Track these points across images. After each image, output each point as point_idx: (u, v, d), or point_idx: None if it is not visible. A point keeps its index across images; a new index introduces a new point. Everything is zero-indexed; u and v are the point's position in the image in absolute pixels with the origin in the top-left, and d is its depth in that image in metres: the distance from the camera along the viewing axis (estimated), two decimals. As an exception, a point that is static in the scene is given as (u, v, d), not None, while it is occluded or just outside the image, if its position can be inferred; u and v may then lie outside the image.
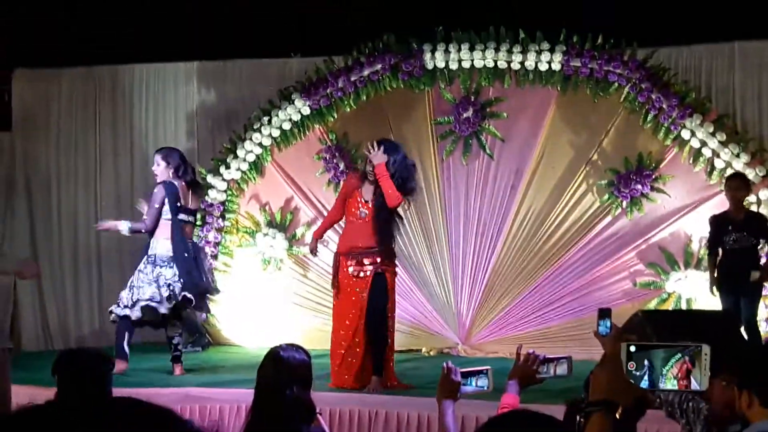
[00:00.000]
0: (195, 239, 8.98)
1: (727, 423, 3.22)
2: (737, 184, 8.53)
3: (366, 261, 7.56)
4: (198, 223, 9.66)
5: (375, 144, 7.65)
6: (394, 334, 7.77)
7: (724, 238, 8.45)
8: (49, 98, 11.12)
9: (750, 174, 8.88)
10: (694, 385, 2.50)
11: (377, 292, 7.55)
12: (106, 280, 10.95)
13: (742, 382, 3.02)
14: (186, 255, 8.15)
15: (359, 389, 7.42)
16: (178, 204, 8.19)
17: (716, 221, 8.56)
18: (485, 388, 3.89)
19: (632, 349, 2.49)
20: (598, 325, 3.24)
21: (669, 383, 2.49)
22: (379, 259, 7.58)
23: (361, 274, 7.56)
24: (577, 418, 2.46)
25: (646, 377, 2.49)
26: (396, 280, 7.83)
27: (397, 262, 7.89)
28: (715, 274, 8.53)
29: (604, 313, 3.27)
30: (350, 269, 7.58)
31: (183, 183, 8.25)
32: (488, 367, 3.97)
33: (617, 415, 2.44)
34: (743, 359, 3.25)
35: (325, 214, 10.00)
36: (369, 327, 7.55)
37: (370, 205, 7.59)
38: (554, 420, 2.06)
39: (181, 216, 8.19)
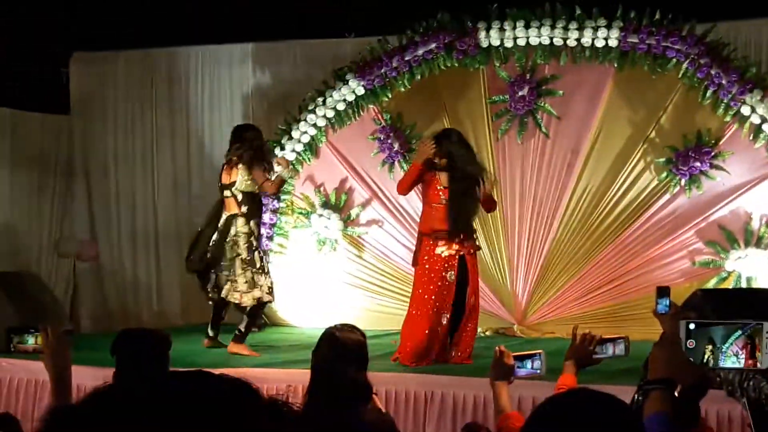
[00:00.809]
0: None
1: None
2: None
3: (450, 243, 7.65)
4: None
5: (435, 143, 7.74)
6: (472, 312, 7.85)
7: None
8: (107, 81, 11.24)
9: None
10: (758, 362, 2.45)
11: (462, 274, 7.69)
12: (164, 262, 11.07)
13: None
14: (200, 229, 8.58)
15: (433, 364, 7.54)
16: (219, 183, 8.47)
17: None
18: (539, 371, 3.87)
19: (691, 327, 2.45)
20: (656, 303, 3.20)
21: (729, 361, 2.45)
22: (459, 242, 7.69)
23: (445, 254, 7.64)
24: (635, 396, 2.42)
25: (705, 355, 2.44)
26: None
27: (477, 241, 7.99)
28: None
29: (663, 292, 3.23)
30: (437, 249, 7.66)
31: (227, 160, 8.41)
32: (541, 350, 3.94)
33: (676, 394, 2.40)
34: None
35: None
36: (456, 307, 7.70)
37: (447, 191, 7.70)
38: (615, 399, 2.03)
39: (223, 193, 8.44)
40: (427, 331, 7.59)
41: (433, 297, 7.64)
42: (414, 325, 7.67)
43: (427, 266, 7.70)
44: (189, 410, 1.18)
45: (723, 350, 2.43)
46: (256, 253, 8.31)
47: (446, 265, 7.65)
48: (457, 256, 7.67)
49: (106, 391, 1.23)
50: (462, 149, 7.81)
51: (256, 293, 8.20)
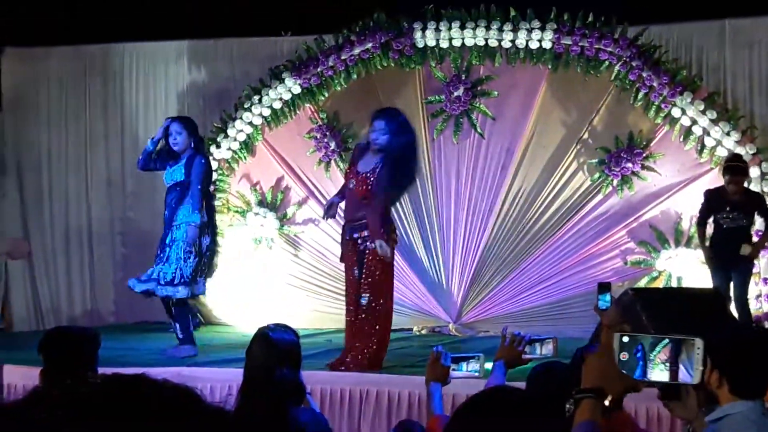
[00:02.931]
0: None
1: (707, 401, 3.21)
2: (734, 171, 8.41)
3: (354, 234, 7.35)
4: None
5: (378, 115, 7.48)
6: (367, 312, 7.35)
7: (719, 215, 8.44)
8: (39, 78, 11.08)
9: (740, 152, 8.87)
10: (685, 377, 2.49)
11: (364, 268, 7.30)
12: (97, 260, 10.96)
13: (715, 360, 3.02)
14: None
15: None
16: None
17: (711, 196, 8.55)
18: (477, 374, 3.91)
19: (625, 339, 2.48)
20: (597, 299, 3.23)
21: (657, 369, 2.47)
22: (364, 234, 7.29)
23: (351, 248, 7.36)
24: (566, 405, 2.46)
25: (637, 367, 2.48)
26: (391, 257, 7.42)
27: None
28: (708, 250, 8.54)
29: (604, 288, 3.24)
30: (346, 240, 7.44)
31: None
32: (480, 353, 3.98)
33: (606, 402, 2.44)
34: (723, 338, 3.25)
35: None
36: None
37: (360, 177, 7.37)
38: (534, 397, 2.06)
39: None
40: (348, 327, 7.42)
41: (348, 290, 7.43)
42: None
43: (343, 259, 7.50)
44: (130, 418, 1.17)
45: (651, 358, 2.47)
46: None
47: (355, 258, 7.34)
48: (356, 250, 7.32)
49: (42, 395, 1.21)
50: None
51: None
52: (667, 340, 2.48)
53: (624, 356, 2.47)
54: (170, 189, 8.13)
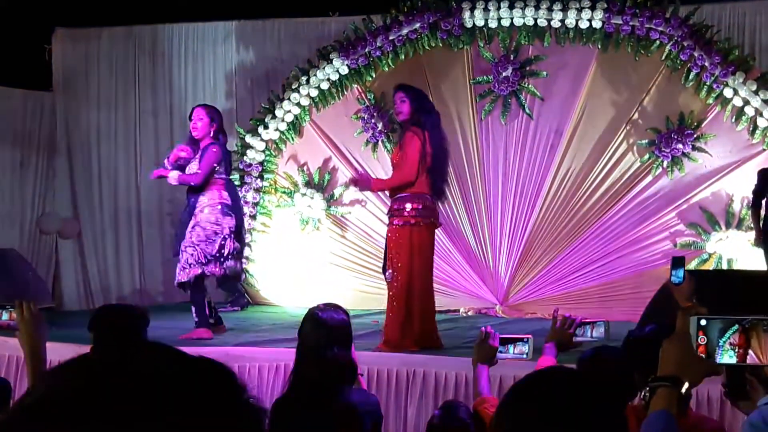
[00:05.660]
0: None
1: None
2: None
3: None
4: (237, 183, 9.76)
5: (399, 92, 7.38)
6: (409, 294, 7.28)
7: None
8: (89, 58, 11.19)
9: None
10: (753, 359, 2.42)
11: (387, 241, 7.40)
12: (146, 239, 11.05)
13: None
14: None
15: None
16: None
17: (765, 175, 8.42)
18: (525, 357, 3.88)
19: (703, 323, 2.40)
20: (670, 273, 3.14)
21: (726, 354, 2.40)
22: (394, 207, 7.37)
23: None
24: (641, 393, 2.40)
25: (715, 349, 2.39)
26: (419, 237, 7.31)
27: (411, 216, 7.27)
28: (761, 231, 8.42)
29: (678, 261, 3.10)
30: None
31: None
32: (529, 336, 3.95)
33: (683, 391, 2.38)
34: None
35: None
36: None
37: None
38: (589, 378, 2.03)
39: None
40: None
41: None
42: None
43: None
44: (157, 390, 1.10)
45: (720, 343, 2.40)
46: None
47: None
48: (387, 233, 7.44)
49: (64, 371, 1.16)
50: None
51: None
52: (736, 325, 2.39)
53: (702, 340, 2.38)
54: None
